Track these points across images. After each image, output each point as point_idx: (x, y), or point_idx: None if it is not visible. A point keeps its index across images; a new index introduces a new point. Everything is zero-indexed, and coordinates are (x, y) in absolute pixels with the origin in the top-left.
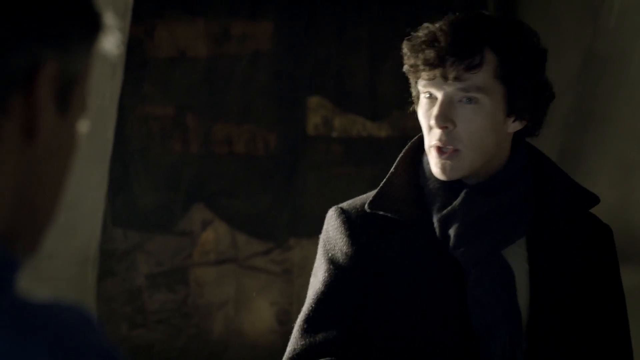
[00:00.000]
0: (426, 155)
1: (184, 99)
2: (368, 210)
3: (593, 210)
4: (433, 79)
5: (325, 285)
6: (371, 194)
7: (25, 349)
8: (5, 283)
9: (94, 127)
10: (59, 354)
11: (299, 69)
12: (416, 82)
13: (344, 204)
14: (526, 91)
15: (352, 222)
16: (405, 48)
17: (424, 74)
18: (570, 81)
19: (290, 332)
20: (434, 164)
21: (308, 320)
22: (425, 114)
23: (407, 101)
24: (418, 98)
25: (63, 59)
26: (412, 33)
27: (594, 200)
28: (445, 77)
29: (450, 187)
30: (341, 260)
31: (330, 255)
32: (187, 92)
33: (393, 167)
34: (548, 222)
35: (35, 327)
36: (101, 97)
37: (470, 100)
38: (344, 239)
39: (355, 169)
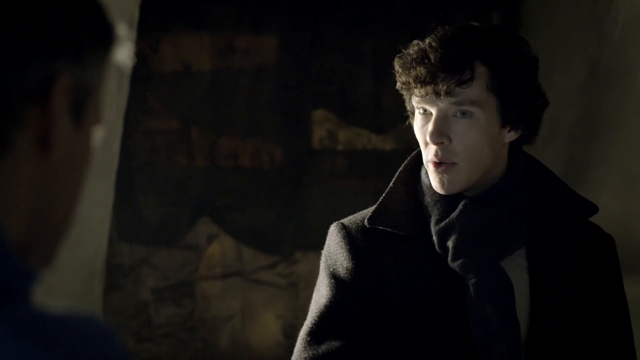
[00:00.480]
0: (424, 169)
1: (188, 112)
2: (367, 226)
3: (596, 220)
4: (425, 95)
5: (328, 299)
6: (371, 209)
7: None
8: (22, 294)
9: (101, 141)
10: None
11: (304, 82)
12: (410, 98)
13: (345, 220)
14: (519, 101)
15: (352, 237)
16: (397, 66)
17: (417, 91)
18: (575, 92)
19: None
20: (433, 178)
21: (311, 333)
22: (421, 130)
23: (408, 115)
24: (413, 113)
25: (78, 71)
26: (403, 50)
27: (593, 209)
28: (437, 93)
29: (447, 200)
30: (342, 275)
31: (332, 270)
32: (192, 106)
33: (392, 181)
34: (548, 232)
35: (51, 339)
36: (107, 111)
37: (464, 114)
38: (345, 254)
39: (361, 182)
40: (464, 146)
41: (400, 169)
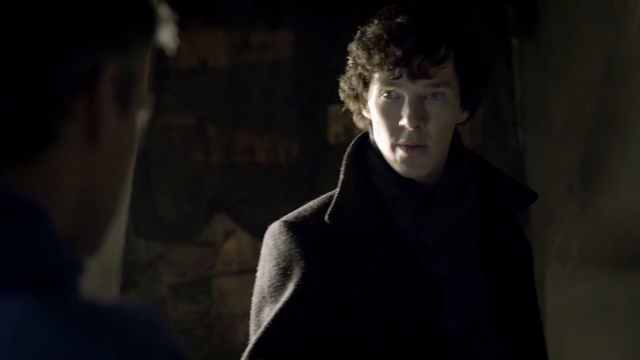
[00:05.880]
0: (375, 156)
1: (205, 108)
2: (329, 222)
3: (614, 215)
4: (399, 77)
5: (287, 301)
6: (315, 204)
7: (94, 352)
8: (71, 285)
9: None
10: (127, 356)
11: (320, 77)
12: (364, 81)
13: (290, 217)
14: (477, 83)
15: (305, 235)
16: (359, 47)
17: (387, 74)
18: (593, 85)
19: None
20: (402, 161)
21: (267, 338)
22: (388, 114)
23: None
24: (357, 97)
25: (123, 58)
26: (360, 30)
27: (533, 197)
28: (413, 75)
29: (419, 191)
30: (300, 275)
31: (287, 272)
32: (208, 102)
33: (342, 173)
34: (489, 222)
35: (100, 329)
36: None
37: (435, 95)
38: (300, 252)
39: None
40: (438, 128)
41: (346, 160)
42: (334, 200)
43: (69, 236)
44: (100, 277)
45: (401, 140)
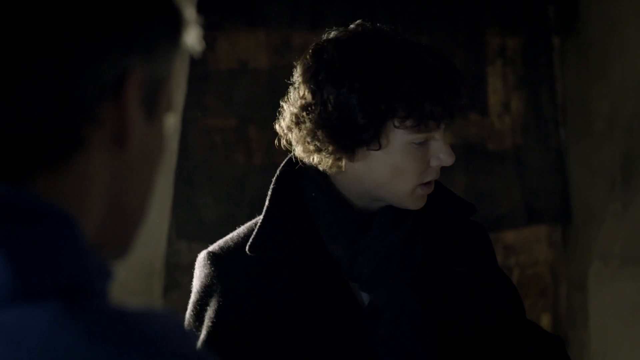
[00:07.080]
0: (311, 182)
1: (246, 110)
2: (250, 254)
3: None
4: (439, 125)
5: (206, 341)
6: (242, 231)
7: (123, 359)
8: (98, 291)
9: (172, 128)
10: None
11: None
12: (378, 128)
13: (215, 247)
14: None
15: (226, 268)
16: (405, 100)
17: (431, 123)
18: (633, 84)
19: None
20: (421, 197)
21: None
22: (419, 158)
23: (469, 109)
24: (351, 137)
25: (149, 64)
26: (388, 79)
27: (472, 209)
28: (451, 116)
29: (355, 220)
30: (223, 310)
31: (209, 307)
32: (249, 104)
33: (268, 200)
34: (432, 239)
35: (129, 336)
36: None
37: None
38: (222, 288)
39: None
40: None
41: (273, 187)
42: (255, 231)
43: (98, 241)
44: (143, 279)
45: (427, 179)
